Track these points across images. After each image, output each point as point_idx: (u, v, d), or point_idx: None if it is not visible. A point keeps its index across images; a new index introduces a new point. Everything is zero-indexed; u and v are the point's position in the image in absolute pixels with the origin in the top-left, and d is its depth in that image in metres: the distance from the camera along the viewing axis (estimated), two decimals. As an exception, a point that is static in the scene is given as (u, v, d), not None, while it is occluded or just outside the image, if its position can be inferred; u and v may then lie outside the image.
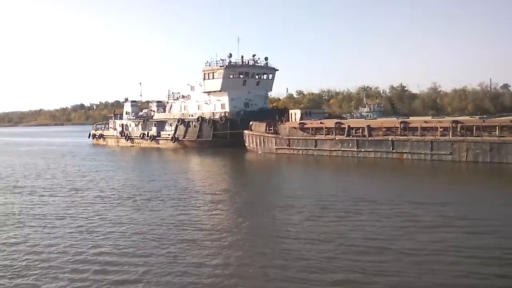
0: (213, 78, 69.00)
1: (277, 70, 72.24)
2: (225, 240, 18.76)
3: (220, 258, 16.49)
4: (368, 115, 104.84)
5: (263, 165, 50.61)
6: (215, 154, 59.54)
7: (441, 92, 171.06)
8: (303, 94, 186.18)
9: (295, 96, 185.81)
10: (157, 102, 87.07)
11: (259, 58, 70.51)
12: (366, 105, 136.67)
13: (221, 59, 68.66)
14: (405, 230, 19.35)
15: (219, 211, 24.86)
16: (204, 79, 70.18)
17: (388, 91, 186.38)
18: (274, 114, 63.97)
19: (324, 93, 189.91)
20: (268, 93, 75.16)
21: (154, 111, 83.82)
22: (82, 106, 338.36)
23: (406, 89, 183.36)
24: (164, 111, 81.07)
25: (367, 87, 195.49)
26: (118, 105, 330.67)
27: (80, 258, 16.91)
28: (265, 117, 62.24)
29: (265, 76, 72.11)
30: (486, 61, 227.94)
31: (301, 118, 59.80)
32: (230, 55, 68.41)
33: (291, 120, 60.21)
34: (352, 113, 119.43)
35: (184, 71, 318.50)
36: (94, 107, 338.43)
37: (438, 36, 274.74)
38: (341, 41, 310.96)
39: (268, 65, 71.75)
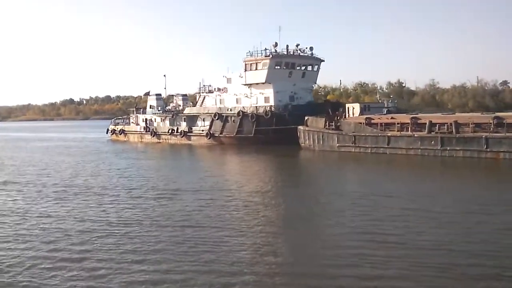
0: (256, 69, 63.44)
1: (323, 61, 67.11)
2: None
3: None
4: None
5: (331, 165, 45.39)
6: (263, 152, 54.08)
7: (439, 89, 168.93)
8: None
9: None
10: (182, 95, 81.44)
11: (306, 48, 65.31)
12: (380, 101, 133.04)
13: (265, 48, 63.20)
14: None
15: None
16: (245, 70, 64.55)
17: (386, 87, 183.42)
18: (326, 108, 58.76)
19: (321, 89, 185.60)
20: (313, 86, 69.98)
21: (180, 105, 78.17)
22: (71, 101, 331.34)
23: (404, 85, 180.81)
24: (193, 105, 75.43)
25: (364, 83, 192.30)
26: (109, 99, 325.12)
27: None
28: (315, 112, 57.22)
29: (310, 68, 66.83)
30: (476, 59, 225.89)
31: (361, 113, 54.83)
32: (276, 44, 62.98)
33: (348, 115, 55.21)
34: None
35: (208, 63, 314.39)
36: (84, 102, 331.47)
37: (431, 34, 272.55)
38: (333, 37, 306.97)
39: (313, 55, 66.46)
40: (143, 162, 50.63)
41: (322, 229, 20.23)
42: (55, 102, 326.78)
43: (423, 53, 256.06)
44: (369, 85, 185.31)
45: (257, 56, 63.44)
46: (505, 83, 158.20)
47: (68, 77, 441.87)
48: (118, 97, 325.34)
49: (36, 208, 25.59)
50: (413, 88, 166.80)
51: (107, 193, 29.77)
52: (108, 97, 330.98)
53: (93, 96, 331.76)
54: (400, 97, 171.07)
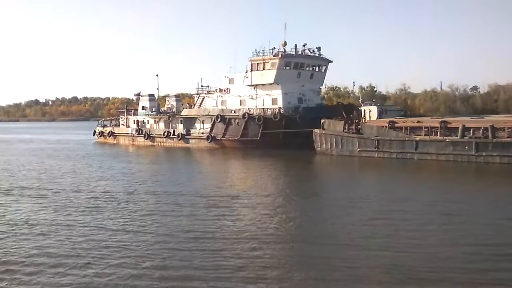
0: (263, 69, 60.17)
1: (331, 61, 64.45)
2: None
3: None
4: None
5: (358, 172, 42.62)
6: (274, 157, 50.43)
7: (410, 93, 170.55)
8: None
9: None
10: (176, 96, 77.52)
11: (316, 48, 62.48)
12: (362, 104, 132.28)
13: (273, 47, 60.14)
14: None
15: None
16: (251, 70, 61.16)
17: (358, 92, 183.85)
18: (339, 110, 56.16)
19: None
20: (321, 87, 67.31)
21: (174, 106, 74.26)
22: (37, 101, 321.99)
23: (375, 89, 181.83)
24: (190, 106, 71.71)
25: (336, 87, 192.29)
26: (76, 101, 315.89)
27: None
28: (328, 114, 54.40)
29: (317, 69, 64.05)
30: (446, 64, 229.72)
31: (379, 116, 52.46)
32: (285, 43, 59.92)
33: (364, 118, 52.66)
34: None
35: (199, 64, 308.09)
36: (50, 102, 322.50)
37: (400, 39, 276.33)
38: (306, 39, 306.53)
39: (321, 56, 63.71)
40: (149, 166, 46.79)
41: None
42: (20, 103, 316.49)
43: (393, 59, 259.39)
44: (341, 89, 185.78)
45: (265, 55, 60.23)
46: (475, 88, 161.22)
47: (33, 77, 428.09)
48: (86, 98, 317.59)
49: (74, 220, 21.98)
50: (384, 92, 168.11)
51: (136, 200, 26.93)
52: (75, 98, 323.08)
53: (59, 97, 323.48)
54: (373, 101, 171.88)
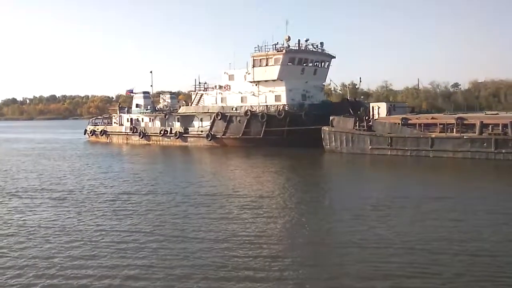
0: (266, 65, 58.27)
1: (334, 57, 62.90)
2: None
3: None
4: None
5: (375, 171, 40.95)
6: (280, 155, 48.57)
7: (392, 90, 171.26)
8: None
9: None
10: (170, 93, 75.22)
11: (320, 44, 60.82)
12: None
13: (277, 42, 58.23)
14: None
15: None
16: (253, 66, 59.20)
17: (340, 88, 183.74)
18: (346, 107, 54.70)
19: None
20: (324, 84, 65.68)
21: (169, 103, 71.92)
22: (14, 100, 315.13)
23: (357, 86, 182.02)
24: (186, 104, 69.49)
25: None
26: (54, 99, 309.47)
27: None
28: (334, 111, 52.78)
29: (320, 64, 62.35)
30: (428, 61, 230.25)
31: (388, 113, 51.09)
32: (289, 38, 57.94)
33: (373, 115, 51.23)
34: None
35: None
36: (28, 101, 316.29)
37: (383, 35, 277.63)
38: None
39: (324, 51, 62.04)
40: (151, 166, 44.51)
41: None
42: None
43: (374, 56, 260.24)
44: (324, 86, 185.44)
45: (268, 51, 58.34)
46: (456, 85, 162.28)
47: (10, 75, 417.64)
48: (64, 96, 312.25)
49: (99, 223, 20.34)
50: (365, 89, 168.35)
51: (157, 201, 25.42)
52: (53, 96, 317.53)
53: (37, 96, 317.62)
54: (361, 98, 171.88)
